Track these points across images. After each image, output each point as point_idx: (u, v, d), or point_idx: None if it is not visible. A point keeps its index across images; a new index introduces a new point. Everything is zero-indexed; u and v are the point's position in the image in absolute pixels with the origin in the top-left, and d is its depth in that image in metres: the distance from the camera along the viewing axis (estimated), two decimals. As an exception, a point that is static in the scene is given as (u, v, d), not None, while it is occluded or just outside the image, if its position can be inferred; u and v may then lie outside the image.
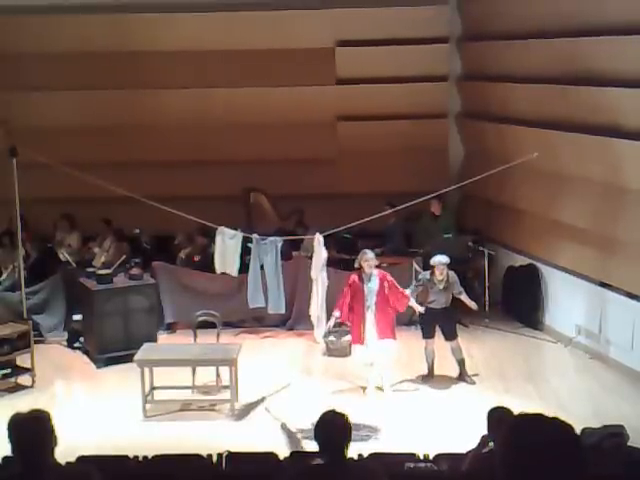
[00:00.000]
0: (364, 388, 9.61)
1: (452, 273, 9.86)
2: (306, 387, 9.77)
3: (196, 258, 12.25)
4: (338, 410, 4.28)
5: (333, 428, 4.14)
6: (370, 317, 9.38)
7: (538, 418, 2.49)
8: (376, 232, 12.45)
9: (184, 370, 9.38)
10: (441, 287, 9.74)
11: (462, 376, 9.87)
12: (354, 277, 9.50)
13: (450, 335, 9.86)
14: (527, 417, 2.52)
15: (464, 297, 9.92)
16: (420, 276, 10.11)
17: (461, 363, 9.89)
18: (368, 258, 9.42)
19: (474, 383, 9.75)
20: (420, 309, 9.80)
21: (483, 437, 5.76)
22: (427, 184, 11.83)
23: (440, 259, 9.73)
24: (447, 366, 9.96)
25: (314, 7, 12.89)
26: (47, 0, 12.66)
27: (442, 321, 9.83)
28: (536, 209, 11.69)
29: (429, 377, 9.95)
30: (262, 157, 13.02)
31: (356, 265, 9.63)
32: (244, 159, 13.01)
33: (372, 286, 9.40)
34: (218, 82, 13.07)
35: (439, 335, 9.89)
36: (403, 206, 11.42)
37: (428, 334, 9.87)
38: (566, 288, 11.23)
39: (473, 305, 10.01)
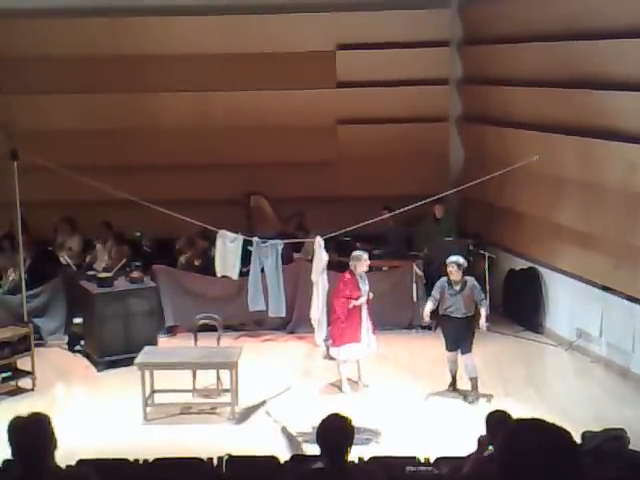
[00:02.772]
0: (338, 386, 9.67)
1: (471, 278, 9.49)
2: (306, 390, 9.77)
3: (196, 263, 12.25)
4: (340, 414, 4.27)
5: (335, 431, 4.14)
6: (365, 314, 9.59)
7: (536, 424, 2.48)
8: (375, 235, 12.45)
9: (184, 373, 9.38)
10: (457, 289, 9.34)
11: (471, 393, 9.40)
12: (348, 276, 9.59)
13: (464, 348, 9.37)
14: (525, 422, 2.52)
15: (483, 310, 9.43)
16: (438, 282, 9.65)
17: (473, 381, 9.39)
18: (366, 259, 9.66)
19: (475, 404, 9.22)
20: (427, 319, 9.84)
21: (480, 438, 5.76)
22: (427, 188, 11.83)
23: (453, 258, 9.43)
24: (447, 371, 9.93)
25: (315, 10, 12.89)
26: (48, 4, 12.68)
27: (461, 331, 9.36)
28: (537, 212, 11.68)
29: (451, 389, 9.63)
30: (263, 160, 13.02)
31: (351, 267, 9.64)
32: (245, 162, 13.01)
33: (365, 285, 9.61)
34: (219, 85, 13.07)
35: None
36: (400, 210, 11.40)
37: (448, 346, 9.50)
38: (567, 291, 11.23)
39: (482, 324, 9.46)
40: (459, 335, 9.40)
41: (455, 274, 9.34)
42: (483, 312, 9.45)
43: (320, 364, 10.73)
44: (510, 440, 2.46)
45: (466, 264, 9.55)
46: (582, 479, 2.39)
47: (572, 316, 11.07)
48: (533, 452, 2.37)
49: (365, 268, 9.69)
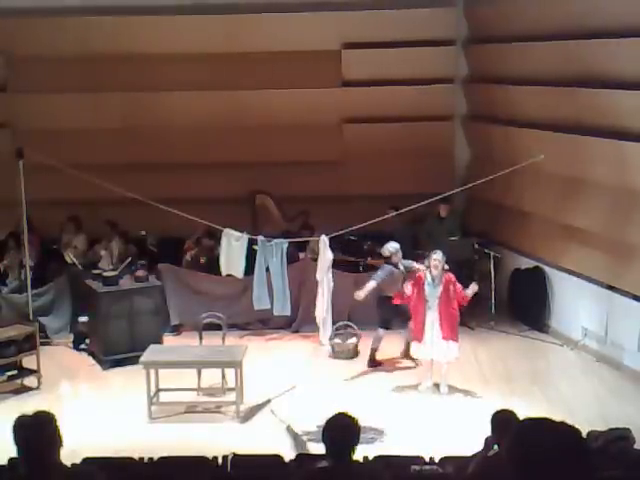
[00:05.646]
0: (419, 383, 9.74)
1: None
2: (311, 389, 9.76)
3: (202, 260, 12.26)
4: (347, 412, 4.27)
5: (341, 430, 4.13)
6: (431, 317, 9.47)
7: (545, 422, 2.49)
8: (381, 234, 12.42)
9: (189, 372, 9.39)
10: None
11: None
12: (420, 275, 9.61)
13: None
14: (534, 421, 2.52)
15: None
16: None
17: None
18: (434, 259, 9.49)
19: None
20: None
21: (487, 439, 5.74)
22: (432, 186, 11.81)
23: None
24: (451, 369, 9.92)
25: (320, 9, 12.88)
26: (55, 2, 12.69)
27: None
28: (542, 211, 11.67)
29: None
30: (268, 159, 13.02)
31: (425, 265, 9.70)
32: (250, 161, 13.01)
33: (435, 287, 9.46)
34: (225, 84, 13.06)
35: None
36: (405, 209, 11.38)
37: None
38: (572, 291, 11.21)
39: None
40: None
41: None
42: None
43: (325, 363, 10.73)
44: (520, 437, 2.46)
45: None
46: (591, 476, 2.39)
47: (577, 315, 11.04)
48: (543, 449, 2.37)
49: (434, 270, 9.46)
